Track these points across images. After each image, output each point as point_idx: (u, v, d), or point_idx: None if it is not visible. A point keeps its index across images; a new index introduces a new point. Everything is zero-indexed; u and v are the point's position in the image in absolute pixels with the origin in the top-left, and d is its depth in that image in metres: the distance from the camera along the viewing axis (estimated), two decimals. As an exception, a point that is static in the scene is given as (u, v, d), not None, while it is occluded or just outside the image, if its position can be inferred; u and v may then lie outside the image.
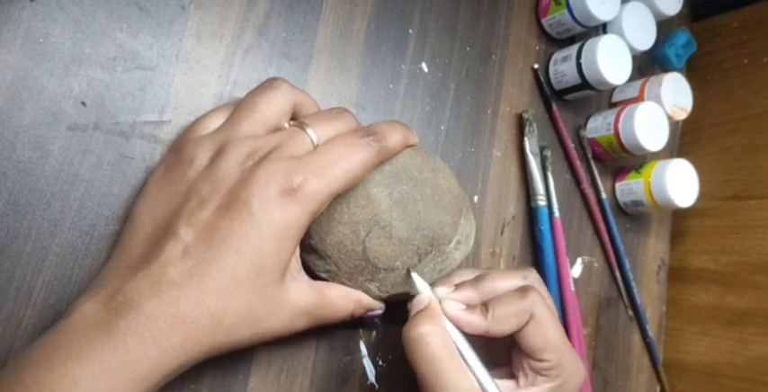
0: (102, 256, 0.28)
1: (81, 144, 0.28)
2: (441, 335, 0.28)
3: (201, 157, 0.27)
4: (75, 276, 0.27)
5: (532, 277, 0.32)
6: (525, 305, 0.29)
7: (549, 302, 0.31)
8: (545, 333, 0.29)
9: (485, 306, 0.29)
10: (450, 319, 0.29)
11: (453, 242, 0.32)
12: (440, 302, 0.30)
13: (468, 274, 0.32)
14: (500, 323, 0.29)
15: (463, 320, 0.29)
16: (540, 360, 0.29)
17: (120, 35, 0.29)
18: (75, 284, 0.27)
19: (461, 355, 0.28)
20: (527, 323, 0.29)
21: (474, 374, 0.28)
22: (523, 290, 0.29)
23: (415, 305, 0.30)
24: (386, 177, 0.30)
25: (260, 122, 0.28)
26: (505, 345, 0.31)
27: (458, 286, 0.31)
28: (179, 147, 0.28)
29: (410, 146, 0.32)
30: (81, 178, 0.28)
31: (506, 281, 0.31)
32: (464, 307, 0.29)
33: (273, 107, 0.29)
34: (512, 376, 0.30)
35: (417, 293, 0.30)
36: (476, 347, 0.29)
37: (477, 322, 0.29)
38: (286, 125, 0.29)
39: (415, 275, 0.31)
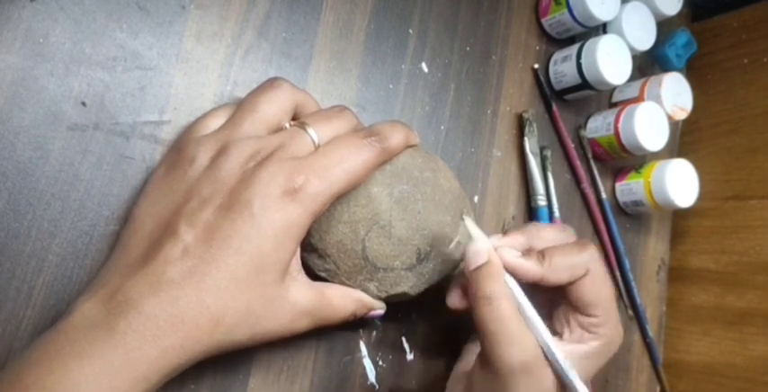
0: (102, 256, 0.28)
1: (81, 144, 0.28)
2: (508, 295, 0.28)
3: (202, 157, 0.27)
4: (75, 276, 0.27)
5: (570, 229, 0.33)
6: (584, 258, 0.29)
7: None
8: (599, 288, 0.29)
9: (541, 253, 0.29)
10: (507, 266, 0.29)
11: (454, 242, 0.32)
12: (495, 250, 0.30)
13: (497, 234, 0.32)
14: (556, 272, 0.29)
15: (519, 267, 0.29)
16: (590, 316, 0.29)
17: (120, 35, 0.29)
18: (76, 284, 0.27)
19: (523, 313, 0.28)
20: (582, 276, 0.29)
21: (535, 331, 0.28)
22: (582, 244, 0.30)
23: (473, 256, 0.30)
24: (386, 177, 0.30)
25: (261, 122, 0.28)
26: (547, 299, 0.32)
27: (505, 232, 0.31)
28: (180, 147, 0.28)
29: (411, 146, 0.32)
30: (81, 178, 0.28)
31: (549, 232, 0.32)
32: (519, 253, 0.30)
33: (275, 107, 0.29)
34: (553, 332, 0.30)
35: (468, 241, 0.30)
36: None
37: (533, 269, 0.29)
38: (287, 125, 0.29)
39: (468, 220, 0.31)
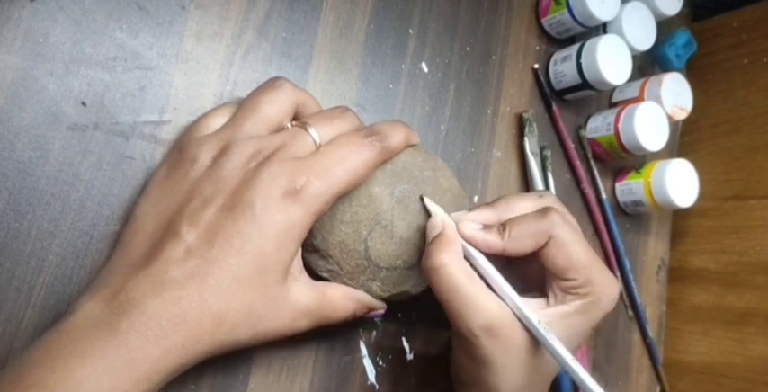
0: (103, 256, 0.28)
1: (81, 144, 0.28)
2: (458, 262, 0.29)
3: (204, 157, 0.27)
4: (75, 276, 0.27)
5: (549, 196, 0.32)
6: (544, 225, 0.29)
7: (570, 220, 0.31)
8: (567, 252, 0.29)
9: (502, 225, 0.30)
10: (466, 239, 0.29)
11: None
12: (456, 224, 0.30)
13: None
14: (516, 243, 0.29)
15: (479, 240, 0.29)
16: (567, 280, 0.29)
17: (120, 35, 0.29)
18: (76, 284, 0.27)
19: (483, 274, 0.29)
20: (546, 243, 0.29)
21: (497, 292, 0.29)
22: (543, 211, 0.30)
23: (430, 230, 0.30)
24: (387, 176, 0.30)
25: (262, 122, 0.28)
26: (539, 267, 0.31)
27: (473, 208, 0.31)
28: (181, 147, 0.28)
29: (411, 145, 0.32)
30: (81, 178, 0.28)
31: (522, 202, 0.31)
32: (480, 226, 0.30)
33: (276, 107, 0.29)
34: (545, 296, 0.31)
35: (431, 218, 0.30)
36: (507, 269, 0.29)
37: (493, 241, 0.29)
38: (288, 125, 0.29)
39: (427, 200, 0.31)
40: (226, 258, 0.25)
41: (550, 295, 0.30)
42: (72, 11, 0.28)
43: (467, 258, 0.30)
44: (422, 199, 0.31)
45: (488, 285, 0.29)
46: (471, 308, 0.28)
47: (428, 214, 0.31)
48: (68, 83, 0.28)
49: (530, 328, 0.28)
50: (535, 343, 0.29)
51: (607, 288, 0.30)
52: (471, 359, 0.29)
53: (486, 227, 0.30)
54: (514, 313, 0.29)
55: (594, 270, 0.30)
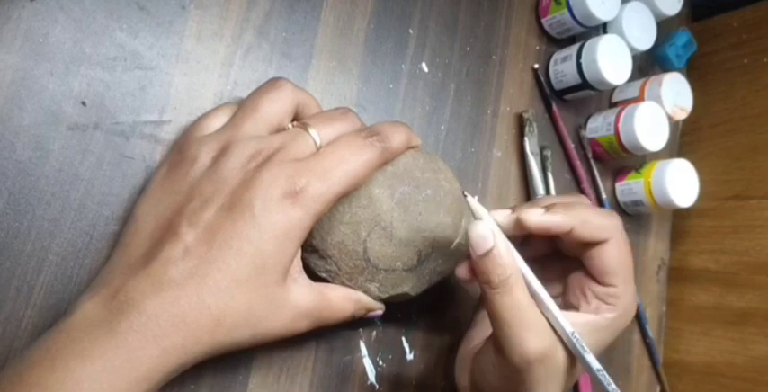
0: (102, 256, 0.28)
1: (81, 144, 0.28)
2: (521, 280, 0.27)
3: (204, 157, 0.27)
4: (75, 276, 0.27)
5: (586, 200, 0.32)
6: (612, 221, 0.28)
7: None
8: (621, 256, 0.28)
9: (563, 206, 0.28)
10: (535, 225, 0.28)
11: (455, 244, 0.32)
12: (515, 216, 0.28)
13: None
14: (584, 226, 0.28)
15: (548, 222, 0.28)
16: (608, 285, 0.28)
17: (120, 35, 0.29)
18: (76, 284, 0.27)
19: (532, 292, 0.27)
20: (607, 240, 0.28)
21: (548, 312, 0.27)
22: (609, 212, 0.29)
23: (478, 241, 0.27)
24: (388, 178, 0.30)
25: (263, 122, 0.28)
26: (559, 272, 0.31)
27: (513, 208, 0.30)
28: (182, 147, 0.28)
29: (412, 147, 0.32)
30: (81, 178, 0.28)
31: (565, 200, 0.30)
32: (543, 210, 0.28)
33: (276, 107, 0.29)
34: (569, 306, 0.30)
35: (473, 220, 0.28)
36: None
37: (562, 220, 0.28)
38: (289, 125, 0.29)
39: (470, 198, 0.29)
40: (225, 259, 0.25)
41: (582, 303, 0.29)
42: (72, 11, 0.28)
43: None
44: (464, 195, 0.29)
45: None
46: (531, 333, 0.26)
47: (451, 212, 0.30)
48: (68, 83, 0.28)
49: (574, 351, 0.27)
50: (572, 363, 0.28)
51: (633, 303, 0.30)
52: (516, 384, 0.28)
53: (549, 208, 0.28)
54: (560, 336, 0.27)
55: (630, 283, 0.29)
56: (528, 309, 0.27)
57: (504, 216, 0.29)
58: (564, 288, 0.31)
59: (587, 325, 0.28)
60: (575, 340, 0.27)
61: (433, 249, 0.32)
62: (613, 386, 0.27)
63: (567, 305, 0.30)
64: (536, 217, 0.28)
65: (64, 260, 0.27)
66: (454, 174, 0.34)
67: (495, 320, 0.27)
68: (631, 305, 0.29)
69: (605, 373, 0.27)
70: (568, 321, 0.28)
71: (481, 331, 0.34)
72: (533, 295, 0.28)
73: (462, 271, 0.30)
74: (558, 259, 0.31)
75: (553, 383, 0.28)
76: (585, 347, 0.27)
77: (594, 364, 0.27)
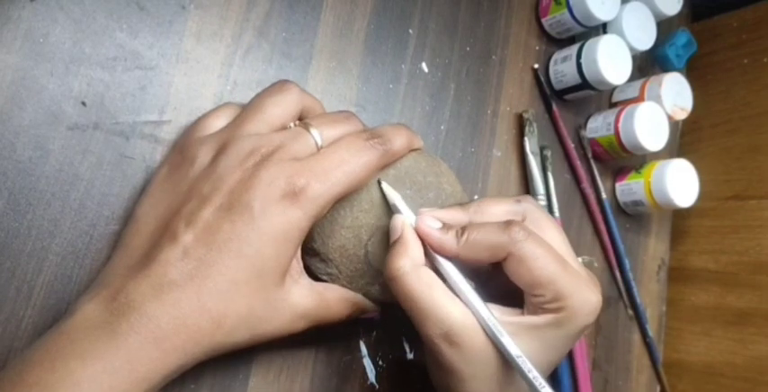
0: (102, 256, 0.28)
1: (81, 144, 0.28)
2: (416, 270, 0.27)
3: (204, 157, 0.27)
4: (75, 276, 0.27)
5: (527, 201, 0.30)
6: (503, 239, 0.27)
7: (546, 226, 0.29)
8: (528, 269, 0.27)
9: (462, 229, 0.28)
10: (419, 234, 0.28)
11: None
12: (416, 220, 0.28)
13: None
14: (471, 250, 0.27)
15: (434, 239, 0.28)
16: (534, 295, 0.27)
17: (120, 35, 0.29)
18: (76, 284, 0.27)
19: (445, 276, 0.27)
20: (506, 258, 0.27)
21: (459, 296, 0.27)
22: (506, 224, 0.27)
23: (391, 231, 0.28)
24: (389, 181, 0.30)
25: (265, 123, 0.28)
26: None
27: (446, 207, 0.30)
28: (182, 147, 0.28)
29: (414, 149, 0.31)
30: (81, 178, 0.28)
31: (496, 207, 0.29)
32: (440, 225, 0.28)
33: (281, 109, 0.28)
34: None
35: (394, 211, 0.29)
36: (490, 279, 0.28)
37: (448, 243, 0.27)
38: (291, 125, 0.29)
39: (384, 185, 0.29)
40: (224, 260, 0.25)
41: (525, 308, 0.28)
42: (72, 11, 0.28)
43: (428, 258, 0.28)
44: (379, 183, 0.29)
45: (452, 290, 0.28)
46: (430, 317, 0.26)
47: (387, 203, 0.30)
48: (68, 83, 0.28)
49: (484, 328, 0.27)
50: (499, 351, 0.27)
51: (583, 301, 0.28)
52: (438, 367, 0.28)
53: (447, 226, 0.28)
54: (476, 317, 0.27)
55: (565, 284, 0.27)
56: (424, 295, 0.27)
57: (428, 210, 0.29)
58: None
59: (524, 323, 0.27)
60: (490, 324, 0.26)
61: None
62: (535, 373, 0.26)
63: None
64: (425, 226, 0.28)
65: (64, 260, 0.27)
66: (456, 177, 0.34)
67: (403, 309, 0.28)
68: (578, 302, 0.27)
69: (525, 360, 0.26)
70: (486, 307, 0.27)
71: None
72: (456, 289, 0.27)
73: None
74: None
75: (476, 369, 0.27)
76: (502, 331, 0.27)
77: (513, 350, 0.26)
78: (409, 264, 0.27)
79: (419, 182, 0.31)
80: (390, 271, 0.27)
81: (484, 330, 0.27)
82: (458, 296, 0.27)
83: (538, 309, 0.28)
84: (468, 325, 0.27)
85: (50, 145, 0.27)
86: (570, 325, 0.28)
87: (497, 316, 0.27)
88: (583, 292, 0.28)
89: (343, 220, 0.29)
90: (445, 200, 0.32)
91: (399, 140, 0.30)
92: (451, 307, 0.27)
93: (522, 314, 0.28)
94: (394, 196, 0.29)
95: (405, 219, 0.29)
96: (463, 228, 0.28)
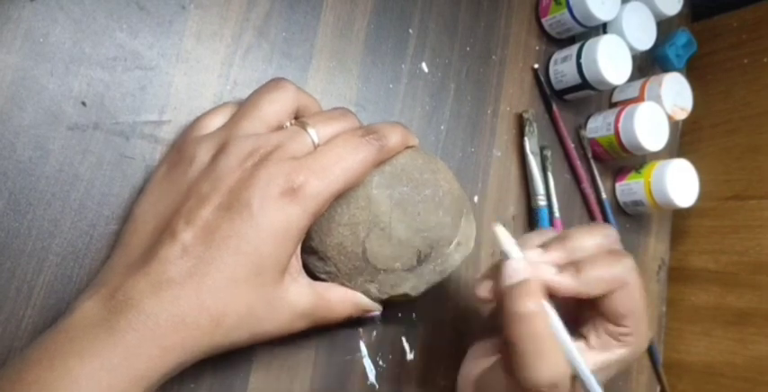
0: (102, 256, 0.28)
1: (81, 144, 0.28)
2: (545, 314, 0.28)
3: (202, 156, 0.27)
4: (75, 276, 0.27)
5: (612, 231, 0.31)
6: (619, 270, 0.28)
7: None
8: (633, 300, 0.28)
9: (575, 266, 0.28)
10: (546, 283, 0.28)
11: (453, 243, 0.32)
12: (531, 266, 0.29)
13: (537, 237, 0.32)
14: (590, 285, 0.28)
15: (556, 283, 0.28)
16: (620, 326, 0.29)
17: (120, 35, 0.29)
18: (76, 284, 0.27)
19: (553, 328, 0.28)
20: (617, 288, 0.28)
21: (565, 347, 0.28)
22: (617, 255, 0.29)
23: (510, 273, 0.29)
24: (386, 178, 0.30)
25: (262, 121, 0.28)
26: (573, 304, 0.31)
27: (545, 246, 0.30)
28: (180, 146, 0.28)
29: (410, 147, 0.32)
30: (81, 178, 0.28)
31: (591, 239, 0.30)
32: (556, 270, 0.29)
33: (277, 107, 0.29)
34: (578, 335, 0.30)
35: (504, 253, 0.29)
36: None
37: (568, 284, 0.28)
38: (287, 124, 0.29)
39: (500, 230, 0.30)
40: (223, 258, 0.25)
41: (592, 336, 0.29)
42: (72, 11, 0.28)
43: None
44: (494, 228, 0.30)
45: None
46: (546, 362, 0.27)
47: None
48: (68, 83, 0.28)
49: (584, 380, 0.28)
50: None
51: (646, 340, 0.30)
52: None
53: (561, 267, 0.29)
54: (578, 373, 0.28)
55: (644, 320, 0.29)
56: (545, 340, 0.27)
57: (538, 254, 0.30)
58: (577, 319, 0.31)
59: (598, 362, 0.29)
60: (590, 379, 0.28)
61: (433, 249, 0.32)
62: None
63: (578, 334, 0.30)
64: (548, 274, 0.28)
65: (64, 260, 0.27)
66: (453, 174, 0.34)
67: (513, 347, 0.28)
68: (643, 340, 0.30)
69: None
70: (585, 361, 0.28)
71: (488, 351, 0.34)
72: (557, 336, 0.28)
73: (483, 292, 0.31)
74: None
75: None
76: (599, 386, 0.28)
77: None
78: (538, 306, 0.27)
79: (416, 179, 0.31)
80: (522, 307, 0.27)
81: (577, 378, 0.28)
82: (559, 344, 0.28)
83: (611, 341, 0.29)
84: (568, 374, 0.27)
85: (50, 145, 0.27)
86: (629, 360, 0.30)
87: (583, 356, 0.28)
88: (647, 331, 0.30)
89: (340, 218, 0.30)
90: (442, 197, 0.32)
91: (395, 137, 0.30)
92: (560, 356, 0.27)
93: (587, 346, 0.30)
94: (506, 240, 0.29)
95: (525, 263, 0.29)
96: (576, 266, 0.28)
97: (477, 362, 0.34)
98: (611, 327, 0.29)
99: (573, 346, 0.28)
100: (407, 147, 0.31)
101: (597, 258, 0.29)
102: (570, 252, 0.30)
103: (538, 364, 0.27)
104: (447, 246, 0.32)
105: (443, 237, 0.32)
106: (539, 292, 0.28)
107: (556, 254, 0.30)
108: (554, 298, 0.29)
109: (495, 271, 0.30)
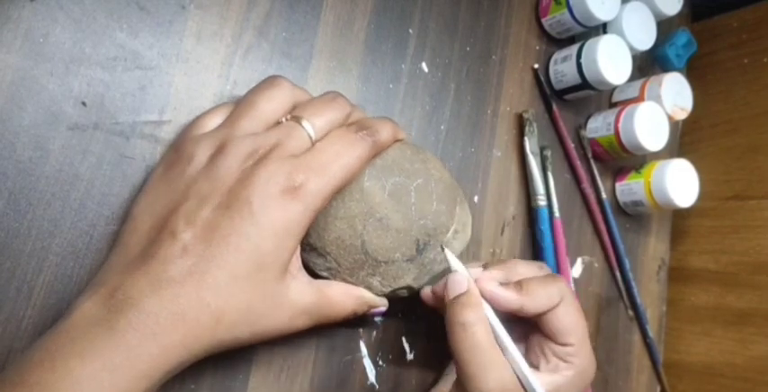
0: (103, 256, 0.28)
1: (81, 144, 0.28)
2: (485, 324, 0.29)
3: (201, 156, 0.27)
4: (75, 276, 0.27)
5: (547, 268, 0.34)
6: (557, 287, 0.30)
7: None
8: (573, 316, 0.30)
9: (518, 284, 0.30)
10: (487, 295, 0.30)
11: (451, 231, 0.33)
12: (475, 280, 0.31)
13: (477, 265, 0.33)
14: (534, 300, 0.30)
15: (500, 296, 0.30)
16: (564, 345, 0.30)
17: (120, 35, 0.29)
18: (76, 284, 0.27)
19: (500, 343, 0.29)
20: (557, 305, 0.30)
21: (513, 360, 0.29)
22: (552, 276, 0.31)
23: (453, 285, 0.30)
24: (378, 171, 0.31)
25: (259, 120, 0.28)
26: (522, 333, 0.32)
27: (485, 265, 0.32)
28: (178, 146, 0.28)
29: (398, 140, 0.32)
30: (81, 178, 0.28)
31: (527, 267, 0.33)
32: (498, 283, 0.30)
33: (274, 105, 0.29)
34: (529, 364, 0.31)
35: (451, 270, 0.31)
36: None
37: (513, 298, 0.30)
38: (283, 119, 0.29)
39: (447, 252, 0.31)
40: (223, 256, 0.25)
41: (542, 361, 0.31)
42: (72, 11, 0.28)
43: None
44: (442, 248, 0.32)
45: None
46: (488, 371, 0.28)
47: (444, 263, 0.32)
48: (68, 83, 0.28)
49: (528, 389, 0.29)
50: None
51: (592, 362, 0.31)
52: None
53: (504, 284, 0.31)
54: (521, 382, 0.28)
55: (586, 342, 0.31)
56: (488, 350, 0.28)
57: (479, 271, 0.32)
58: (526, 347, 0.33)
59: (549, 383, 0.30)
60: (536, 388, 0.29)
61: (431, 237, 0.32)
62: None
63: (529, 364, 0.31)
64: (491, 286, 0.30)
65: (64, 260, 0.27)
66: (442, 164, 0.34)
67: (456, 358, 0.29)
68: (589, 362, 0.31)
69: None
70: (538, 380, 0.29)
71: (452, 375, 0.35)
72: (503, 350, 0.29)
73: (426, 295, 0.33)
74: (518, 320, 0.32)
75: None
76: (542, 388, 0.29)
77: None
78: (480, 317, 0.29)
79: (407, 170, 0.31)
80: (460, 318, 0.29)
81: (522, 385, 0.29)
82: (508, 357, 0.29)
83: (560, 363, 0.30)
84: (515, 385, 0.28)
85: (50, 145, 0.27)
86: (580, 383, 0.31)
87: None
88: (591, 353, 0.32)
89: (335, 212, 0.30)
90: (435, 185, 0.32)
91: (386, 131, 0.30)
92: (506, 366, 0.28)
93: (539, 370, 0.31)
94: (451, 258, 0.31)
95: (469, 276, 0.31)
96: (519, 283, 0.30)
97: (446, 379, 0.36)
98: (557, 347, 0.31)
99: (518, 353, 0.29)
100: (396, 141, 0.32)
101: (535, 278, 0.31)
102: (509, 272, 0.32)
103: (483, 375, 0.28)
104: (445, 234, 0.32)
105: (440, 225, 0.32)
106: (480, 304, 0.29)
107: (496, 272, 0.32)
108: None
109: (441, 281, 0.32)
